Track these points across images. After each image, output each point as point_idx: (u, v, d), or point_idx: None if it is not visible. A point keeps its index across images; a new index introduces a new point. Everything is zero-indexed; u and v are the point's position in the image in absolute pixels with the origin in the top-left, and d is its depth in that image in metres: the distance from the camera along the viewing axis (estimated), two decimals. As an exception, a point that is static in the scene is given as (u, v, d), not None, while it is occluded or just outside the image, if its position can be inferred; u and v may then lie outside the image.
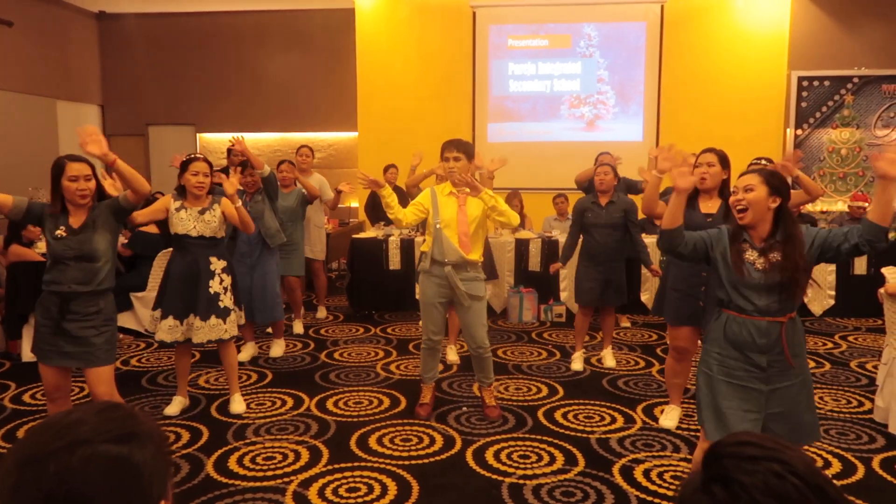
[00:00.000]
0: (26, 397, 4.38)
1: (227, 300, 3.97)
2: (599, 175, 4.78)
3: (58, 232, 3.10)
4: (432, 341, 4.03)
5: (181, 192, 3.95)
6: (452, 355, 5.14)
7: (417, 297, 5.35)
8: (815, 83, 8.57)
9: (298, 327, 5.96)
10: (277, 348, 5.30)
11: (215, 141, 9.91)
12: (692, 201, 3.55)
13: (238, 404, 4.10)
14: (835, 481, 3.03)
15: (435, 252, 3.88)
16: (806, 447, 3.38)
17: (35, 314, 3.27)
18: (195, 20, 9.74)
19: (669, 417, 3.90)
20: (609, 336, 5.09)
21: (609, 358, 5.03)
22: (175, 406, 4.08)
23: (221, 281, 3.96)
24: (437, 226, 3.86)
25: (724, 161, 3.61)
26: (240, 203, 3.99)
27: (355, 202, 9.30)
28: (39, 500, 0.78)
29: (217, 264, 3.95)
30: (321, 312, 6.56)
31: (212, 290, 3.90)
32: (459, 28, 8.81)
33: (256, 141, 9.60)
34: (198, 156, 3.95)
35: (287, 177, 5.52)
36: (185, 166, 3.90)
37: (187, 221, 3.87)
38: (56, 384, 3.21)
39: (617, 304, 4.94)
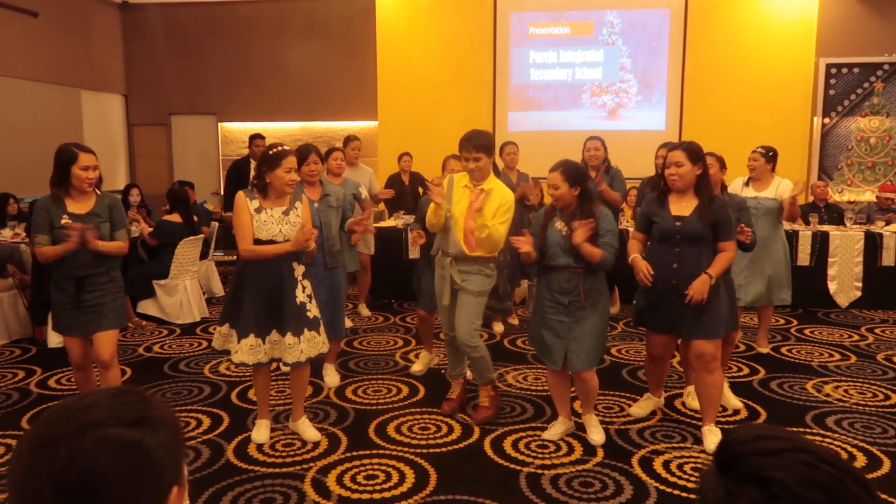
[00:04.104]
0: (52, 382, 4.45)
1: (313, 309, 3.47)
2: (589, 151, 5.16)
3: (63, 220, 3.26)
4: (449, 336, 3.83)
5: (259, 189, 3.38)
6: (364, 311, 5.53)
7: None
8: (844, 70, 8.38)
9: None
10: (333, 375, 4.41)
11: (236, 130, 9.96)
12: (662, 201, 3.41)
13: (307, 429, 3.64)
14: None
15: (441, 240, 3.71)
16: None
17: (52, 294, 3.44)
18: (216, 10, 9.77)
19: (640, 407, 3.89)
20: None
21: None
22: (262, 431, 3.54)
23: (304, 288, 3.44)
24: (448, 217, 3.63)
25: (694, 156, 3.28)
26: (315, 246, 3.43)
27: (375, 191, 9.29)
28: (51, 482, 0.78)
29: (299, 270, 3.43)
30: (363, 310, 6.24)
31: (298, 301, 3.38)
32: (480, 16, 8.74)
33: (277, 130, 9.62)
34: (287, 149, 3.35)
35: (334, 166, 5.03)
36: (273, 161, 3.29)
37: (271, 225, 3.33)
38: (83, 352, 3.47)
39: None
